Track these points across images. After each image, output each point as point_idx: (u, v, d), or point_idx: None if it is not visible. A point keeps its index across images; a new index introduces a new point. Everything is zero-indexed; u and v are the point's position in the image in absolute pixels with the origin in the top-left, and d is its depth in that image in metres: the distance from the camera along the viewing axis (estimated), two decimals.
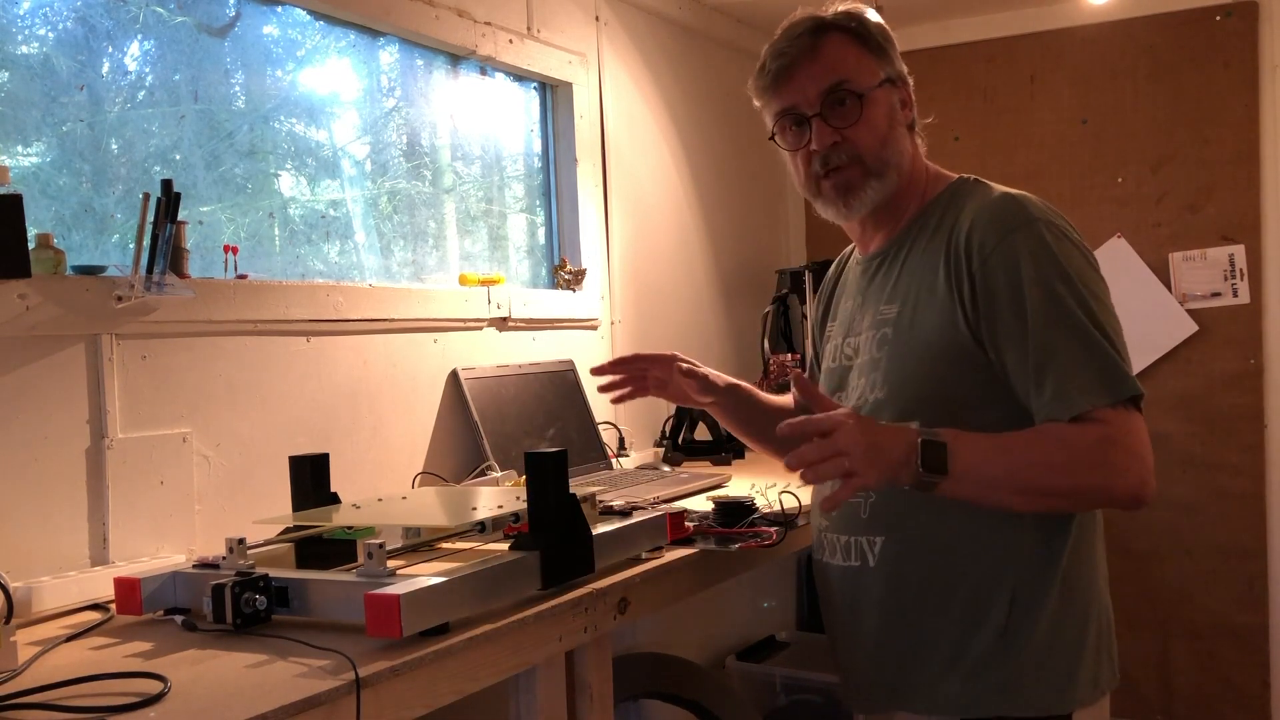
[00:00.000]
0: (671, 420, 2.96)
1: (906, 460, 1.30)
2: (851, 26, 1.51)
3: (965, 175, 1.57)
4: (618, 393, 1.90)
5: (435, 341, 2.32)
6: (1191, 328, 3.25)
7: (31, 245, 1.58)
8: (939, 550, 1.45)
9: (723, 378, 1.90)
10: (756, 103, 1.58)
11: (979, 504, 1.37)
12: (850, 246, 1.75)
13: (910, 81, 1.56)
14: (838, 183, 1.51)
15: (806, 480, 1.33)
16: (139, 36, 1.90)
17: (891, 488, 1.37)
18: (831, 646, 1.65)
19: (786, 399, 1.95)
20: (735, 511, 1.77)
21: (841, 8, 1.54)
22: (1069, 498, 1.37)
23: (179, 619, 1.41)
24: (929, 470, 1.30)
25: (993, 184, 1.53)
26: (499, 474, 2.22)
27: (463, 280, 2.45)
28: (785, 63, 1.49)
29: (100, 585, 1.55)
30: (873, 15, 1.55)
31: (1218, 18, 3.21)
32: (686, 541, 1.74)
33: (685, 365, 1.87)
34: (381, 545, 1.35)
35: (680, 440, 2.89)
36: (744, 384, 1.92)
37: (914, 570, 1.47)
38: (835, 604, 1.60)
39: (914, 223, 1.54)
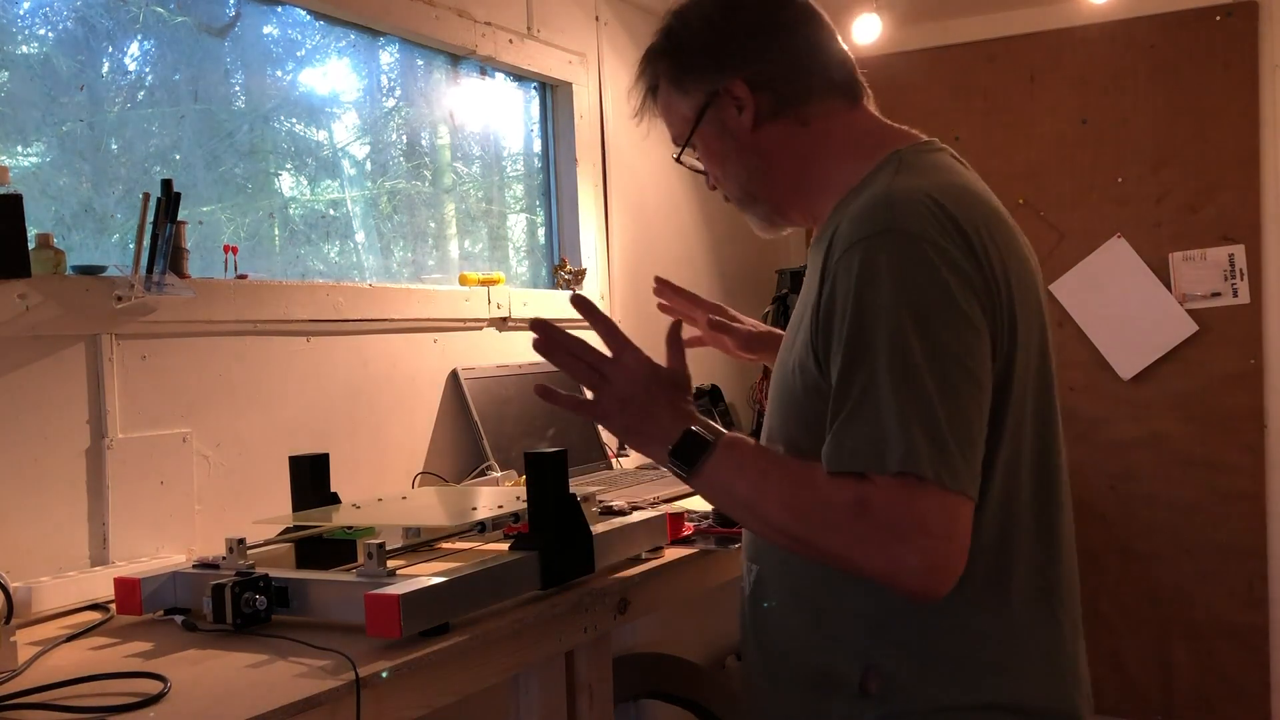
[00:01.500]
0: None
1: (662, 439, 1.22)
2: (665, 59, 1.36)
3: (897, 150, 1.26)
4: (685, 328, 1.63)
5: (435, 341, 2.32)
6: (1191, 328, 3.25)
7: (31, 245, 1.58)
8: (804, 575, 1.24)
9: (760, 326, 1.74)
10: None
11: (734, 520, 1.30)
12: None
13: (737, 81, 1.29)
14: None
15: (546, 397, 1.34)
16: (139, 36, 1.90)
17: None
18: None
19: None
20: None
21: (654, 40, 1.38)
22: (815, 554, 1.14)
23: (179, 619, 1.41)
24: (675, 459, 1.21)
25: (916, 166, 1.23)
26: (499, 474, 2.22)
27: (463, 280, 2.45)
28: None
29: (100, 585, 1.55)
30: (686, 19, 1.35)
31: (1218, 18, 3.21)
32: (686, 541, 1.74)
33: (717, 319, 1.72)
34: (381, 545, 1.36)
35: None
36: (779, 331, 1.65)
37: (786, 595, 1.27)
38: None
39: (835, 212, 1.25)
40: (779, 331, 1.62)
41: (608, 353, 1.38)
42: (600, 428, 2.14)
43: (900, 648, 1.16)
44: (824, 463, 1.11)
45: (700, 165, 1.42)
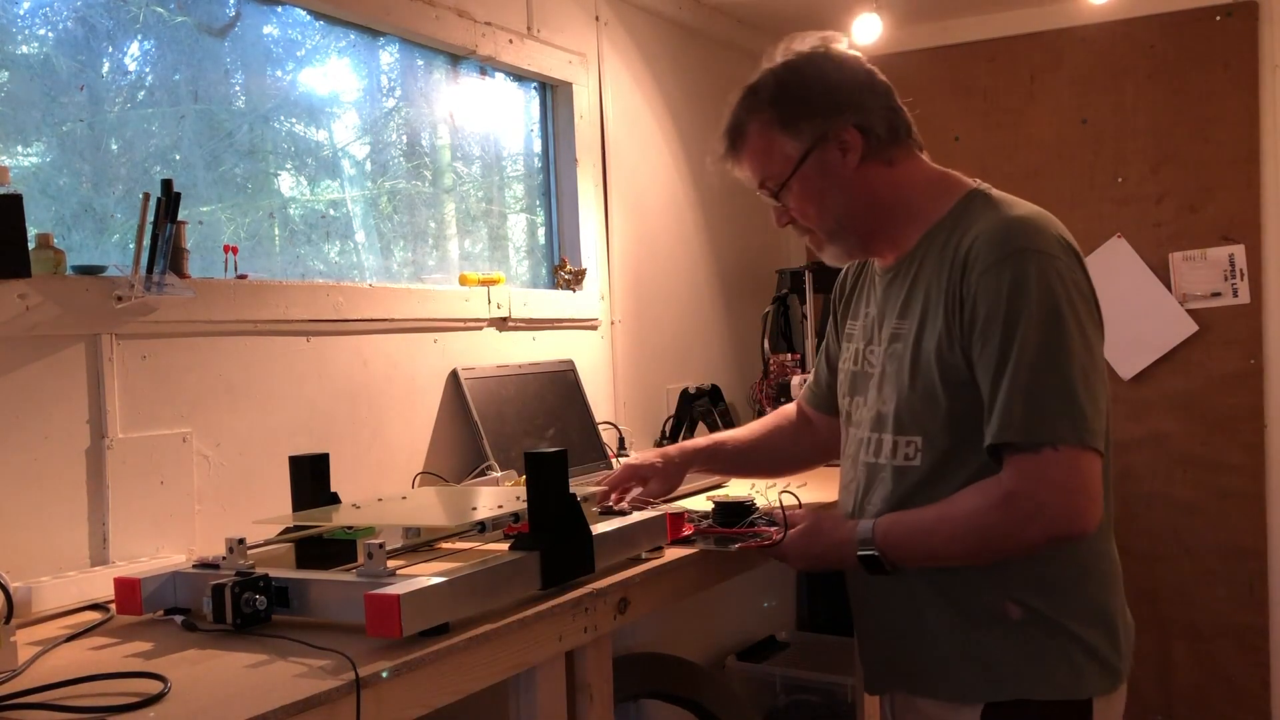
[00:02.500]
0: (671, 420, 2.96)
1: (848, 565, 1.55)
2: (769, 105, 1.55)
3: (977, 188, 1.56)
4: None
5: (435, 341, 2.32)
6: (1191, 328, 3.25)
7: (31, 245, 1.58)
8: None
9: (674, 460, 1.96)
10: None
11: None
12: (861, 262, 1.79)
13: (865, 123, 1.53)
14: (809, 243, 1.65)
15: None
16: (139, 36, 1.90)
17: (901, 486, 1.53)
18: (856, 632, 1.73)
19: (761, 425, 2.03)
20: (735, 511, 1.77)
21: (771, 68, 1.58)
22: (996, 555, 1.46)
23: (179, 619, 1.41)
24: (872, 571, 1.52)
25: (1006, 200, 1.53)
26: (499, 474, 2.22)
27: (463, 280, 2.45)
28: (728, 162, 1.62)
29: (100, 585, 1.55)
30: (804, 58, 1.58)
31: (1218, 18, 3.21)
32: (686, 542, 1.74)
33: (635, 483, 1.93)
34: (381, 545, 1.35)
35: (680, 440, 2.89)
36: (704, 445, 2.00)
37: (928, 571, 1.53)
38: (859, 593, 1.66)
39: (924, 241, 1.55)
40: (691, 443, 2.00)
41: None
42: None
43: (1028, 581, 1.48)
44: (990, 437, 1.40)
45: (775, 199, 1.60)
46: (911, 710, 1.60)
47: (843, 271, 1.83)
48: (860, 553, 1.50)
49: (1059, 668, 1.47)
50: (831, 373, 1.83)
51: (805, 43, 1.60)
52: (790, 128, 1.54)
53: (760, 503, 1.78)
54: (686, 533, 1.75)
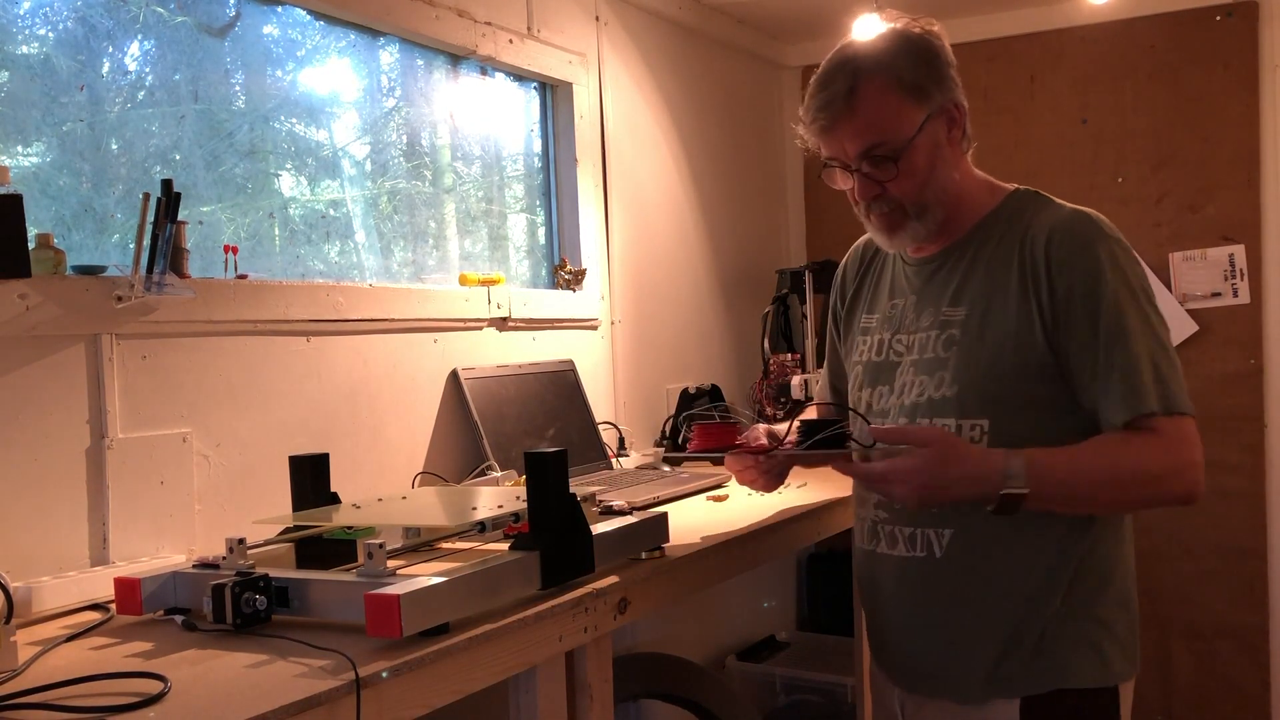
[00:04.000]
0: (671, 420, 2.96)
1: (974, 499, 1.45)
2: (888, 68, 1.50)
3: (1020, 187, 1.61)
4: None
5: (435, 341, 2.32)
6: (1192, 328, 3.25)
7: (31, 245, 1.58)
8: (1004, 543, 1.51)
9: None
10: (804, 135, 1.60)
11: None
12: (869, 239, 1.74)
13: (960, 102, 1.56)
14: (881, 223, 1.58)
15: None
16: (139, 36, 1.90)
17: None
18: (876, 632, 1.69)
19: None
20: (821, 428, 1.58)
21: (883, 35, 1.54)
22: (1134, 506, 1.54)
23: (179, 619, 1.41)
24: (1001, 512, 1.43)
25: (1053, 198, 1.59)
26: (499, 474, 2.22)
27: (463, 280, 2.45)
28: (825, 123, 1.51)
29: (100, 585, 1.55)
30: (918, 32, 1.56)
31: (1218, 18, 3.21)
32: (764, 453, 1.64)
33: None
34: (381, 545, 1.36)
35: (680, 440, 2.89)
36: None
37: (981, 562, 1.53)
38: (888, 591, 1.63)
39: (976, 231, 1.58)
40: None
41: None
42: None
43: (1070, 570, 1.50)
44: (1111, 417, 1.44)
45: (877, 168, 1.52)
46: (942, 710, 1.58)
47: (840, 272, 1.84)
48: (1007, 490, 1.41)
49: (1092, 655, 1.50)
50: (842, 379, 1.79)
51: (900, 21, 1.58)
52: (914, 92, 1.51)
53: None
54: (741, 445, 1.67)
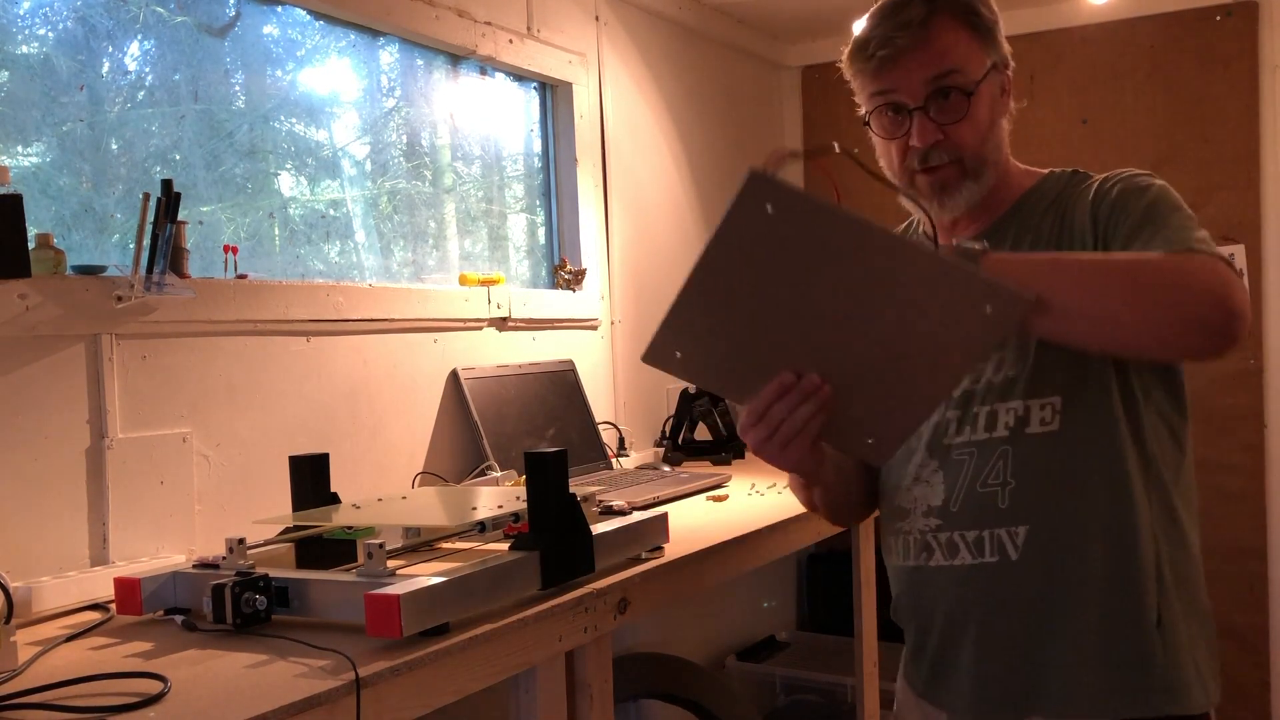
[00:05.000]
0: (671, 420, 2.96)
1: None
2: (964, 4, 1.39)
3: (1056, 169, 1.49)
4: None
5: (435, 341, 2.32)
6: None
7: (31, 245, 1.58)
8: (1083, 534, 1.32)
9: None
10: (850, 79, 1.43)
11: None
12: (907, 224, 1.58)
13: (1012, 64, 1.46)
14: (934, 181, 1.39)
15: None
16: (139, 36, 1.90)
17: (1037, 457, 1.32)
18: (935, 659, 1.43)
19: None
20: None
21: None
22: (1151, 312, 1.20)
23: (179, 619, 1.41)
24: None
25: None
26: (499, 474, 2.22)
27: (463, 280, 2.45)
28: (892, 51, 1.35)
29: (100, 585, 1.55)
30: None
31: (1218, 18, 3.21)
32: None
33: None
34: (381, 545, 1.36)
35: (680, 440, 2.89)
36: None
37: (1062, 559, 1.32)
38: (952, 609, 1.39)
39: (1015, 210, 1.44)
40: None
41: None
42: None
43: (1165, 574, 1.32)
44: (1169, 248, 1.24)
45: (928, 112, 1.36)
46: None
47: None
48: (963, 244, 1.22)
49: (1194, 673, 1.31)
50: None
51: None
52: (985, 35, 1.41)
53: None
54: None
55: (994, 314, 1.09)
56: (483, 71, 2.61)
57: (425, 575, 1.32)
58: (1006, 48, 1.45)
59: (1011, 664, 1.35)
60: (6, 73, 1.70)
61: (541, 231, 2.82)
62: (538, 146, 2.82)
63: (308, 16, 2.20)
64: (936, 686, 1.43)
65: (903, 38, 1.35)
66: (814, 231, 1.10)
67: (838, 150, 1.29)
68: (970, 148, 1.38)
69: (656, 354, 1.21)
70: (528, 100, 2.78)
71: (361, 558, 1.39)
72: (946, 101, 1.36)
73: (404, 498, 1.85)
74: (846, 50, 1.42)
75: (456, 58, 2.53)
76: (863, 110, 1.42)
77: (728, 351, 1.21)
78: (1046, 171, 1.48)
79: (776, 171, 1.10)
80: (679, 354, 1.21)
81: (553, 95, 2.83)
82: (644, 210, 3.07)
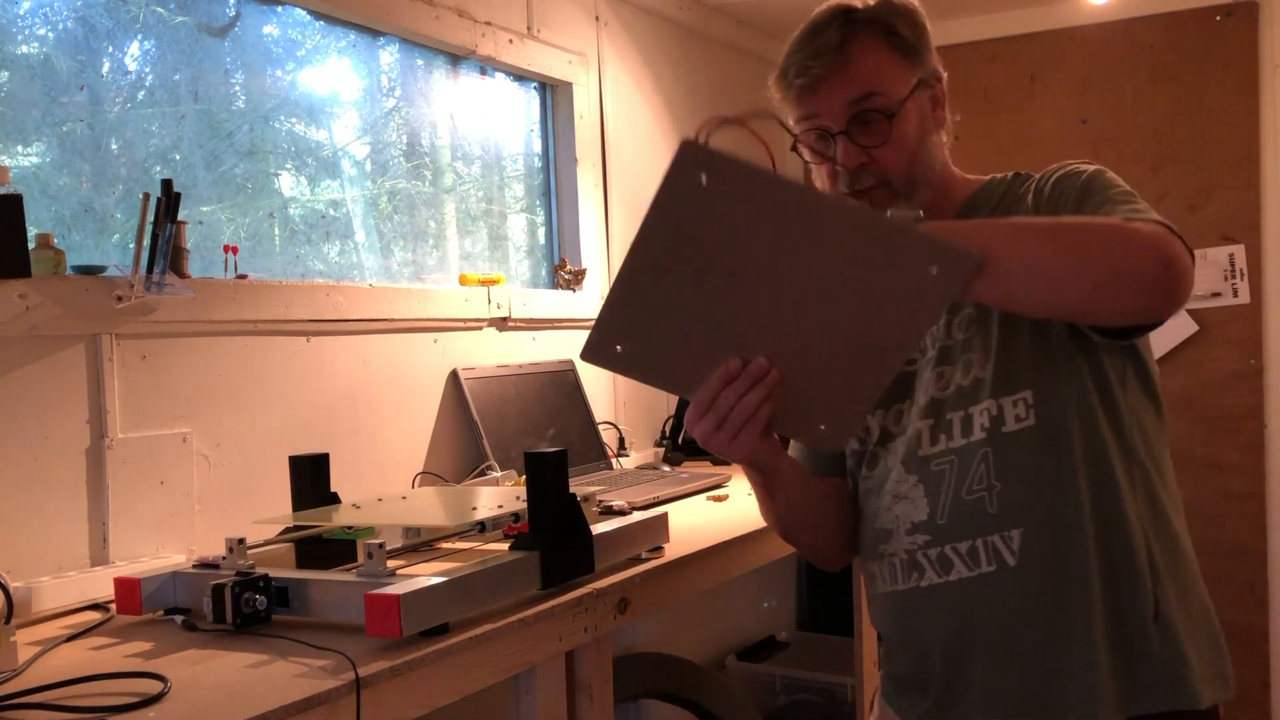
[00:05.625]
0: (671, 420, 2.96)
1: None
2: (884, 24, 1.35)
3: (999, 175, 1.46)
4: None
5: (435, 341, 2.32)
6: (1192, 328, 3.25)
7: (31, 245, 1.58)
8: (1078, 529, 1.27)
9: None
10: (776, 104, 1.44)
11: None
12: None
13: (943, 75, 1.42)
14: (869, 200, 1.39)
15: None
16: (139, 36, 1.90)
17: (1013, 455, 1.27)
18: (942, 688, 1.34)
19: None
20: None
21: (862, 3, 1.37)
22: (1098, 274, 1.15)
23: (179, 619, 1.41)
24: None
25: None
26: (499, 474, 2.22)
27: (463, 280, 2.45)
28: (809, 80, 1.35)
29: (100, 585, 1.55)
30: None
31: (1218, 18, 3.21)
32: None
33: None
34: (381, 545, 1.36)
35: (680, 440, 2.89)
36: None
37: (1061, 558, 1.27)
38: (954, 629, 1.32)
39: (962, 214, 1.42)
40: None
41: None
42: None
43: (1171, 579, 1.30)
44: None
45: (851, 135, 1.34)
46: None
47: None
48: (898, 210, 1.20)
49: (1187, 668, 1.27)
50: None
51: None
52: (907, 52, 1.36)
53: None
54: None
55: (940, 275, 1.06)
56: (483, 71, 2.61)
57: (425, 575, 1.32)
58: (935, 60, 1.41)
59: (1027, 678, 1.28)
60: (6, 73, 1.70)
61: (541, 231, 2.83)
62: (538, 146, 2.82)
63: (308, 16, 2.20)
64: (947, 715, 1.34)
65: (818, 66, 1.34)
66: (752, 200, 1.06)
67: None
68: (897, 170, 1.35)
69: (596, 351, 1.15)
70: (528, 100, 2.78)
71: (361, 558, 1.39)
72: (869, 125, 1.34)
73: (404, 498, 1.85)
74: (772, 77, 1.42)
75: (456, 58, 2.53)
76: (792, 138, 1.41)
77: (671, 341, 1.15)
78: (988, 178, 1.46)
79: (709, 138, 1.08)
80: (619, 348, 1.15)
81: (553, 95, 2.83)
82: (644, 210, 3.06)
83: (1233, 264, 3.22)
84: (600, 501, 1.76)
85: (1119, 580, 1.27)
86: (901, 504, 1.35)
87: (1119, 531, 1.28)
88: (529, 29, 2.65)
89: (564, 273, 2.75)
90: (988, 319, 1.32)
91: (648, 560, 1.67)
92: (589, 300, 2.79)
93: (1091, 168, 1.35)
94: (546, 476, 1.47)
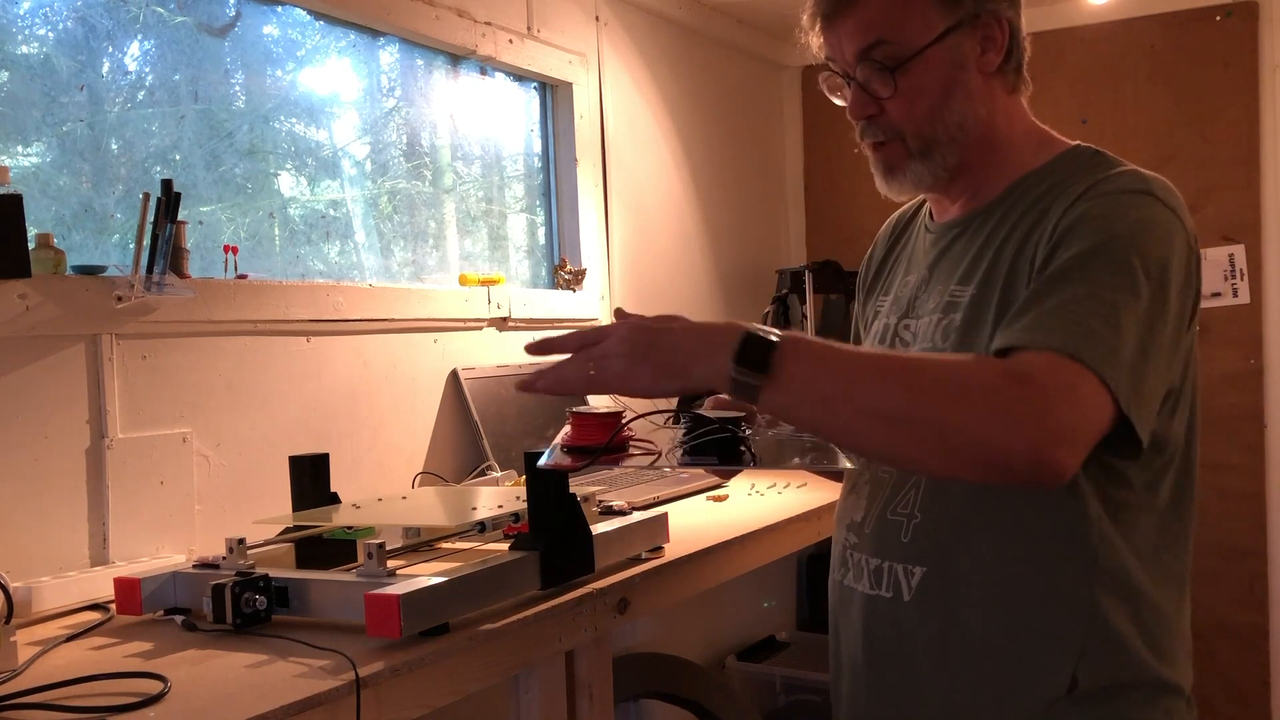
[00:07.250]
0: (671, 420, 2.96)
1: (710, 355, 1.03)
2: None
3: (1081, 144, 1.29)
4: None
5: (435, 341, 2.32)
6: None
7: (31, 245, 1.58)
8: (994, 587, 1.16)
9: None
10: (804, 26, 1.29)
11: (810, 427, 1.07)
12: (914, 203, 1.43)
13: (1006, 16, 1.21)
14: (879, 159, 1.25)
15: (527, 388, 1.14)
16: (139, 36, 1.90)
17: (937, 511, 1.18)
18: (834, 686, 1.37)
19: None
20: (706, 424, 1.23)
21: None
22: (931, 436, 0.99)
23: (179, 619, 1.41)
24: (744, 365, 1.01)
25: (1115, 159, 1.28)
26: (499, 474, 2.22)
27: (463, 280, 2.45)
28: (825, 10, 1.21)
29: (100, 585, 1.55)
30: None
31: (1218, 18, 3.21)
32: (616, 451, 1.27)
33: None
34: (381, 545, 1.36)
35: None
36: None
37: (954, 613, 1.18)
38: (851, 637, 1.31)
39: (1009, 193, 1.24)
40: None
41: None
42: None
43: (1106, 634, 1.13)
44: (1012, 335, 1.05)
45: (862, 83, 1.20)
46: None
47: (873, 242, 1.48)
48: (754, 331, 1.02)
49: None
50: None
51: None
52: None
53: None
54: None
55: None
56: (483, 71, 2.61)
57: (425, 575, 1.32)
58: None
59: (885, 708, 1.24)
60: (6, 73, 1.70)
61: (541, 231, 2.82)
62: (538, 146, 2.82)
63: (308, 16, 2.19)
64: (838, 703, 1.35)
65: (825, 3, 1.22)
66: None
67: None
68: (911, 125, 1.21)
69: None
70: (528, 100, 2.78)
71: (361, 558, 1.39)
72: (881, 74, 1.19)
73: (404, 498, 1.85)
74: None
75: (456, 58, 2.53)
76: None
77: None
78: (1069, 146, 1.28)
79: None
80: None
81: (553, 95, 2.83)
82: (644, 210, 3.07)
83: (1233, 264, 3.22)
84: (600, 501, 1.76)
85: (1020, 656, 1.14)
86: (852, 497, 1.32)
87: (1035, 607, 1.14)
88: (529, 29, 2.65)
89: (564, 273, 2.75)
90: (964, 334, 1.20)
91: (647, 560, 1.67)
92: (589, 300, 2.79)
93: (1119, 225, 1.13)
94: (546, 476, 1.47)
